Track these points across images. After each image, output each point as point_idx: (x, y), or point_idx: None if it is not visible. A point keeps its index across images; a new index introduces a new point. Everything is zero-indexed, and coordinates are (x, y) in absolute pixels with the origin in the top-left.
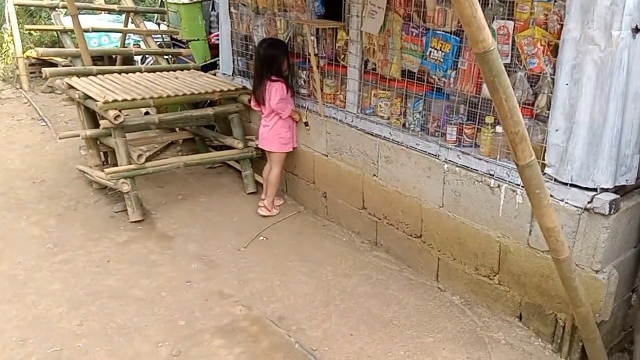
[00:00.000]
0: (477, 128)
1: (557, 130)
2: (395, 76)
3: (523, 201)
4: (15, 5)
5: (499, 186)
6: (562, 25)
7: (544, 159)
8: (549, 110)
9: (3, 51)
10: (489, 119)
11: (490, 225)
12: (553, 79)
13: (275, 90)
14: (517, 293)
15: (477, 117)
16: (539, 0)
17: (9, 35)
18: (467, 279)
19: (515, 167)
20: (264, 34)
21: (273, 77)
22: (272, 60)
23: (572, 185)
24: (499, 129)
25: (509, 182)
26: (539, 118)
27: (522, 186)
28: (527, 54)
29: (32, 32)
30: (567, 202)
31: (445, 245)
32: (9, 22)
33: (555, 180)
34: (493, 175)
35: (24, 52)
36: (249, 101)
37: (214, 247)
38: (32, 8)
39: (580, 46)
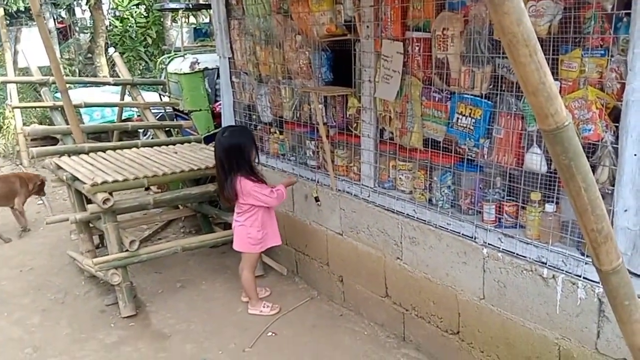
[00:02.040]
0: (521, 206)
1: (626, 210)
2: (417, 146)
3: (587, 296)
4: (1, 83)
5: (553, 277)
6: (623, 84)
7: None
8: (612, 186)
9: (4, 127)
10: (535, 196)
11: (545, 324)
12: (615, 149)
13: (256, 193)
14: None
15: (520, 193)
16: (590, 55)
17: (9, 111)
18: None
19: (578, 255)
20: (267, 103)
21: (249, 176)
22: (239, 151)
23: None
24: (548, 207)
25: (567, 272)
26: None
27: (585, 278)
28: (580, 120)
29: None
30: None
31: (489, 346)
32: (11, 97)
33: (628, 272)
34: (545, 264)
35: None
36: None
37: (215, 347)
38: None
39: None
